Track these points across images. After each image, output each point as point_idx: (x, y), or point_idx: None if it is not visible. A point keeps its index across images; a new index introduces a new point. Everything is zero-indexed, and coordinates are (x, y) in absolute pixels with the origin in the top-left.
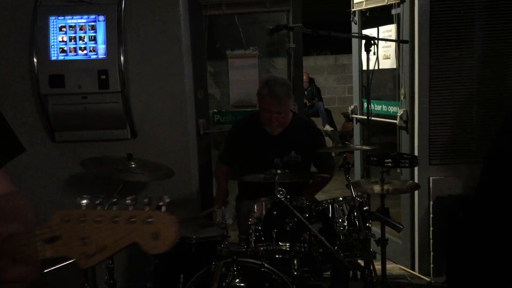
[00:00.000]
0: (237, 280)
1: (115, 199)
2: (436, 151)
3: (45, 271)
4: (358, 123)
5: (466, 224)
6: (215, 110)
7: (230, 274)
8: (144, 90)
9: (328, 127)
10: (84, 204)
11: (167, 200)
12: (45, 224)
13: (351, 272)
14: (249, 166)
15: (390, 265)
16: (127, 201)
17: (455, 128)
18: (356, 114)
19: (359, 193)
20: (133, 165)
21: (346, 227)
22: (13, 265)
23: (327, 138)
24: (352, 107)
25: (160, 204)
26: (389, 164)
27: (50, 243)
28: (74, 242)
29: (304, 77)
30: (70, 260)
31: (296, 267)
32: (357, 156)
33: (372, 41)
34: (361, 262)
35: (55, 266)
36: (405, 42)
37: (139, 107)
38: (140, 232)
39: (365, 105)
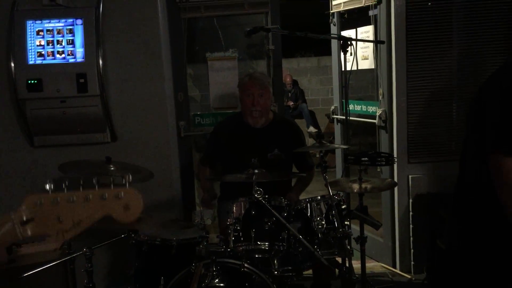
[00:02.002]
0: (217, 280)
1: (81, 181)
2: (414, 150)
3: (24, 275)
4: (339, 124)
5: (447, 221)
6: (196, 113)
7: (210, 274)
8: (123, 93)
9: (312, 129)
10: (48, 188)
11: (130, 179)
12: (20, 207)
13: (336, 271)
14: (232, 165)
15: (372, 263)
16: (94, 181)
17: (433, 127)
18: (337, 115)
19: (337, 192)
20: (112, 168)
21: (324, 226)
22: None
23: (311, 140)
24: (333, 107)
25: (124, 182)
26: (366, 163)
27: (25, 225)
28: (50, 222)
29: (288, 79)
30: (46, 237)
31: (276, 267)
32: (338, 156)
33: (348, 42)
34: (340, 260)
35: (34, 270)
36: (381, 42)
37: (119, 110)
38: (112, 206)
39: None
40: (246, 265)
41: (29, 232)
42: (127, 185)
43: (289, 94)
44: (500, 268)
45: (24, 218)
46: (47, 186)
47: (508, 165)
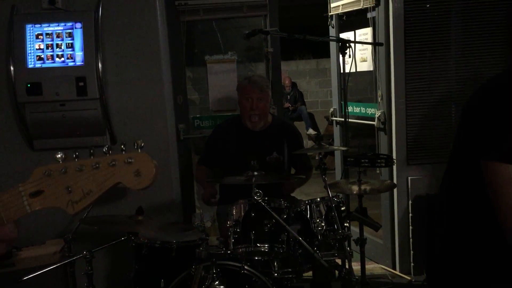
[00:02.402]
0: (217, 282)
1: (92, 150)
2: (413, 151)
3: (24, 278)
4: (338, 126)
5: (436, 221)
6: (195, 115)
7: (210, 276)
8: (123, 97)
9: (311, 131)
10: (59, 158)
11: (142, 144)
12: (27, 180)
13: (336, 272)
14: (230, 168)
15: (371, 265)
16: (104, 150)
17: (432, 128)
18: (336, 117)
19: (337, 194)
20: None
21: (324, 227)
22: None
23: (310, 142)
24: (332, 109)
25: (136, 147)
26: (366, 164)
27: (35, 197)
28: (59, 192)
29: (287, 82)
30: (58, 208)
31: (276, 269)
32: (337, 158)
33: (347, 44)
34: (340, 262)
35: (34, 273)
36: (380, 44)
37: (118, 114)
38: (123, 172)
39: None
40: (246, 267)
41: (38, 205)
42: (139, 150)
43: (288, 96)
44: (485, 271)
45: (33, 190)
46: (58, 156)
47: (507, 172)
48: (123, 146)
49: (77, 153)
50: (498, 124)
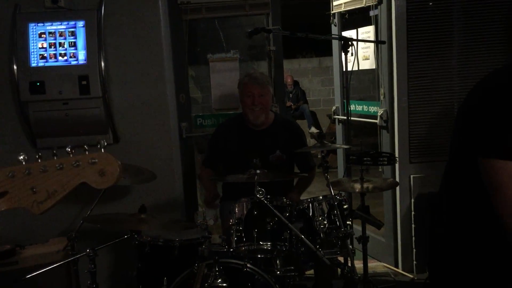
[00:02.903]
0: (219, 280)
1: (54, 151)
2: (416, 150)
3: (27, 276)
4: (340, 124)
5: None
6: (198, 114)
7: (212, 274)
8: (125, 95)
9: (313, 129)
10: (22, 159)
11: (105, 143)
12: None
13: (339, 270)
14: (233, 167)
15: (374, 263)
16: (67, 150)
17: (434, 127)
18: (338, 115)
19: (339, 192)
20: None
21: (326, 225)
22: None
23: (313, 140)
24: (334, 108)
25: (99, 147)
26: (368, 162)
27: (0, 197)
28: (24, 193)
29: (289, 80)
30: (23, 207)
31: (278, 267)
32: (340, 156)
33: (349, 42)
34: (342, 260)
35: (37, 271)
36: (382, 42)
37: (121, 112)
38: (87, 172)
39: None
40: (248, 265)
41: (3, 205)
42: (102, 150)
43: (290, 95)
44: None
45: None
46: (21, 157)
47: (507, 169)
48: (86, 146)
49: (39, 154)
50: (498, 123)
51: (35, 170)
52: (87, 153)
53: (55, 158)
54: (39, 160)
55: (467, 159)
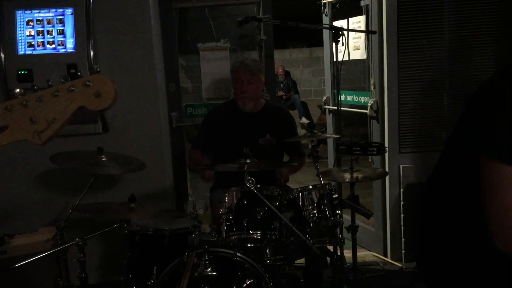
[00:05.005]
0: (209, 269)
1: (49, 82)
2: (405, 140)
3: (16, 265)
4: (331, 114)
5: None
6: (188, 103)
7: (202, 263)
8: (115, 84)
9: (304, 120)
10: (18, 93)
11: (98, 69)
12: None
13: (328, 259)
14: (224, 151)
15: (363, 253)
16: (61, 79)
17: (424, 117)
18: (329, 105)
19: (329, 182)
20: (104, 159)
21: (316, 215)
22: None
23: (303, 130)
24: (325, 98)
25: (93, 71)
26: (358, 152)
27: (0, 132)
28: (23, 124)
29: (280, 70)
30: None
31: (268, 256)
32: (330, 147)
33: (340, 32)
34: (332, 249)
35: (27, 260)
36: (373, 32)
37: None
38: (83, 96)
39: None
40: (238, 254)
41: (5, 139)
42: (98, 72)
43: (281, 85)
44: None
45: None
46: (17, 91)
47: (506, 174)
48: (79, 74)
49: (35, 87)
50: (507, 125)
51: (31, 100)
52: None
53: (49, 87)
54: (35, 92)
55: (468, 156)
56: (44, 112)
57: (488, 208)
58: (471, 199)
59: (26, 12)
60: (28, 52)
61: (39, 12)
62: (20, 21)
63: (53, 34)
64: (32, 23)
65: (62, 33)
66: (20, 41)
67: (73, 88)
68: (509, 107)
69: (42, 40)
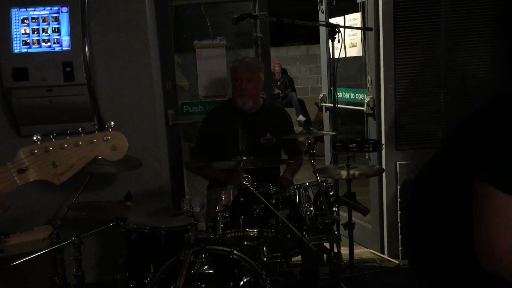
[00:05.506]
0: (206, 267)
1: (68, 131)
2: (402, 137)
3: (12, 264)
4: (328, 111)
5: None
6: (185, 101)
7: (199, 261)
8: (110, 82)
9: (301, 117)
10: (36, 140)
11: (112, 124)
12: (14, 159)
13: (325, 256)
14: (224, 150)
15: (360, 250)
16: (51, 137)
17: (420, 114)
18: (325, 103)
19: (325, 179)
20: (99, 157)
21: (313, 212)
22: None
23: (300, 128)
24: (322, 95)
25: (106, 126)
26: (354, 149)
27: (22, 173)
28: (45, 167)
29: (277, 68)
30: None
31: (265, 253)
32: (327, 145)
33: (336, 29)
34: (328, 246)
35: (23, 259)
36: (369, 29)
37: (106, 99)
38: (101, 148)
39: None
40: (235, 252)
41: (27, 179)
42: (110, 129)
43: (278, 82)
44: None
45: (21, 167)
46: (35, 138)
47: (498, 200)
48: (96, 127)
49: (54, 134)
50: (505, 151)
51: (55, 147)
52: (96, 132)
53: (67, 137)
54: (56, 139)
55: (462, 174)
56: (66, 159)
57: (478, 233)
58: (458, 203)
59: (21, 10)
60: (24, 50)
61: (34, 10)
62: (15, 19)
63: (49, 32)
64: (27, 21)
65: (57, 31)
66: (15, 39)
67: (94, 141)
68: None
69: (37, 38)
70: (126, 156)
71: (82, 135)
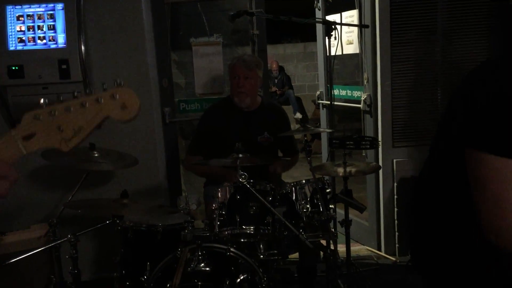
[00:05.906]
0: (202, 264)
1: (75, 93)
2: (399, 134)
3: (8, 262)
4: (324, 109)
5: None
6: (181, 99)
7: (195, 259)
8: (106, 79)
9: (298, 115)
10: (43, 104)
11: (122, 82)
12: (18, 125)
13: (321, 253)
14: (222, 148)
15: (357, 247)
16: (87, 91)
17: (417, 111)
18: (322, 100)
19: (322, 176)
20: (96, 155)
21: (309, 209)
22: None
23: (297, 126)
24: (318, 92)
25: (115, 84)
26: (351, 146)
27: (27, 140)
28: (51, 133)
29: (274, 65)
30: (52, 148)
31: (262, 251)
32: (324, 142)
33: (333, 26)
34: (325, 243)
35: (20, 256)
36: (365, 26)
37: None
38: (110, 107)
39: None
40: (231, 249)
41: (33, 146)
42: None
43: (276, 80)
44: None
45: (25, 134)
46: (42, 101)
47: (494, 164)
48: (104, 85)
49: (61, 97)
50: (496, 117)
51: (60, 110)
52: (106, 90)
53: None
54: (63, 102)
55: (455, 148)
56: (72, 122)
57: (479, 203)
58: (462, 193)
59: (16, 7)
60: (19, 47)
61: (30, 7)
62: (10, 17)
63: (44, 29)
64: (22, 18)
65: (53, 28)
66: (10, 36)
67: (101, 99)
68: (498, 100)
69: (33, 35)
70: (121, 155)
71: (89, 95)
